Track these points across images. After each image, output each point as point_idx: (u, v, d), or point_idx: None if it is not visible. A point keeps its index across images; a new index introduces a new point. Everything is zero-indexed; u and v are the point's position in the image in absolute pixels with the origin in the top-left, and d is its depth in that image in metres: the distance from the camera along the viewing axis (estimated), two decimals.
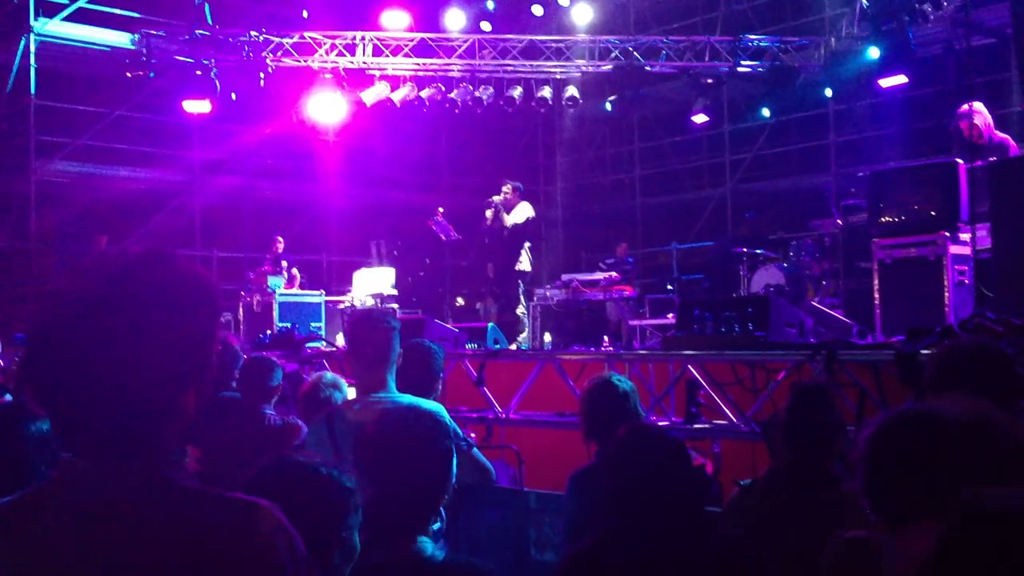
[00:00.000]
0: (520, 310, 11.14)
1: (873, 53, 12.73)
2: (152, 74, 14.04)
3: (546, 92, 14.95)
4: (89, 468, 1.46)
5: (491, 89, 14.75)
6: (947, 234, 6.63)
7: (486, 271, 12.80)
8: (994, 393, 3.01)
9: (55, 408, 1.49)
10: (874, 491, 1.87)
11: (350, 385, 4.81)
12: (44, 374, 1.48)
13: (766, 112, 15.79)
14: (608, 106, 15.68)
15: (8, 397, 4.85)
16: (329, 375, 5.16)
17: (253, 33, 14.25)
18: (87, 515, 1.43)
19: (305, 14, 15.77)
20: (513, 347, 10.21)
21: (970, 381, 3.17)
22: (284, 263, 13.60)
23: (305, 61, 14.51)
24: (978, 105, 7.86)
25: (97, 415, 1.45)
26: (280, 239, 14.07)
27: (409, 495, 2.61)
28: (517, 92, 14.80)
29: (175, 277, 1.53)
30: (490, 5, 15.06)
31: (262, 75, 14.04)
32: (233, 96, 13.94)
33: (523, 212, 11.29)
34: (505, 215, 11.18)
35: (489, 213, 11.26)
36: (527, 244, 11.34)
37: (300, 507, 1.88)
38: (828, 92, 14.11)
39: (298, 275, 13.73)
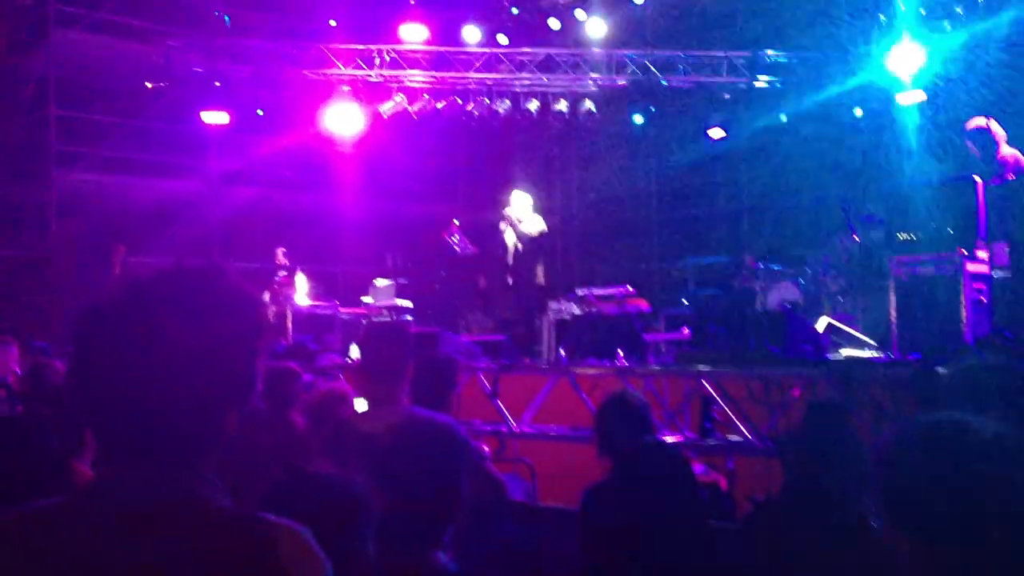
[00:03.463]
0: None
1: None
2: (169, 84, 14.13)
3: (562, 105, 14.97)
4: (122, 480, 1.46)
5: (507, 102, 14.78)
6: (964, 251, 6.59)
7: (479, 284, 12.81)
8: (1012, 412, 2.99)
9: (96, 419, 1.48)
10: (895, 501, 1.78)
11: (361, 397, 4.79)
12: (87, 384, 1.48)
13: (782, 117, 15.65)
14: (639, 119, 15.61)
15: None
16: (338, 388, 5.14)
17: (272, 45, 14.34)
18: (113, 528, 1.42)
19: (333, 23, 15.82)
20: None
21: (987, 400, 3.15)
22: (282, 273, 13.56)
23: (323, 73, 14.57)
24: (987, 122, 7.79)
25: (137, 429, 1.45)
26: (284, 250, 14.00)
27: (425, 507, 2.61)
28: (533, 105, 14.82)
29: (227, 294, 1.52)
30: (515, 10, 15.08)
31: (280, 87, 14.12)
32: (260, 112, 14.01)
33: (535, 225, 11.32)
34: (518, 228, 11.22)
35: (502, 226, 11.30)
36: (540, 257, 11.37)
37: (316, 519, 1.88)
38: (858, 112, 13.96)
39: (305, 282, 13.62)
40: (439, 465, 2.68)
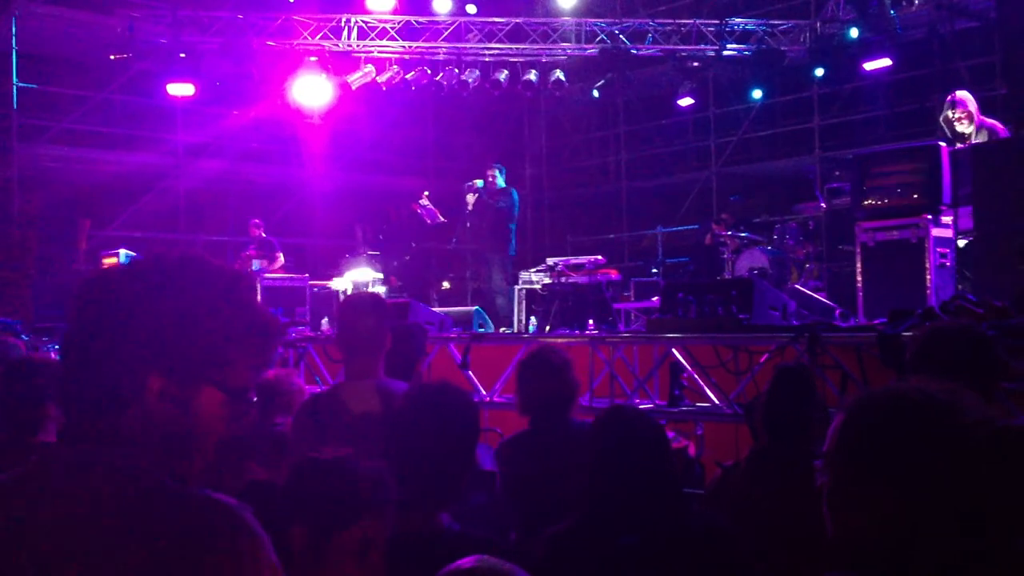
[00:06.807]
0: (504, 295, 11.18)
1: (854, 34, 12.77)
2: (133, 56, 13.92)
3: (532, 75, 14.89)
4: (60, 455, 1.49)
5: (477, 72, 14.69)
6: (929, 217, 6.66)
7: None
8: (974, 375, 3.03)
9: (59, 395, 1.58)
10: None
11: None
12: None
13: (757, 94, 15.67)
14: (595, 92, 15.69)
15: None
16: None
17: (238, 16, 14.16)
18: (54, 502, 1.43)
19: None
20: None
21: (950, 363, 3.19)
22: (272, 242, 13.44)
23: (290, 44, 14.41)
24: (962, 95, 7.86)
25: (71, 400, 1.50)
26: (257, 222, 13.86)
27: (435, 471, 2.66)
28: (503, 75, 14.74)
29: (153, 264, 1.56)
30: None
31: (246, 58, 13.95)
32: (217, 83, 13.84)
33: (506, 196, 11.32)
34: (488, 199, 11.20)
35: (470, 197, 11.27)
36: (511, 228, 11.37)
37: (330, 504, 1.99)
38: (819, 72, 13.94)
39: (282, 258, 13.57)
40: (461, 428, 2.76)
